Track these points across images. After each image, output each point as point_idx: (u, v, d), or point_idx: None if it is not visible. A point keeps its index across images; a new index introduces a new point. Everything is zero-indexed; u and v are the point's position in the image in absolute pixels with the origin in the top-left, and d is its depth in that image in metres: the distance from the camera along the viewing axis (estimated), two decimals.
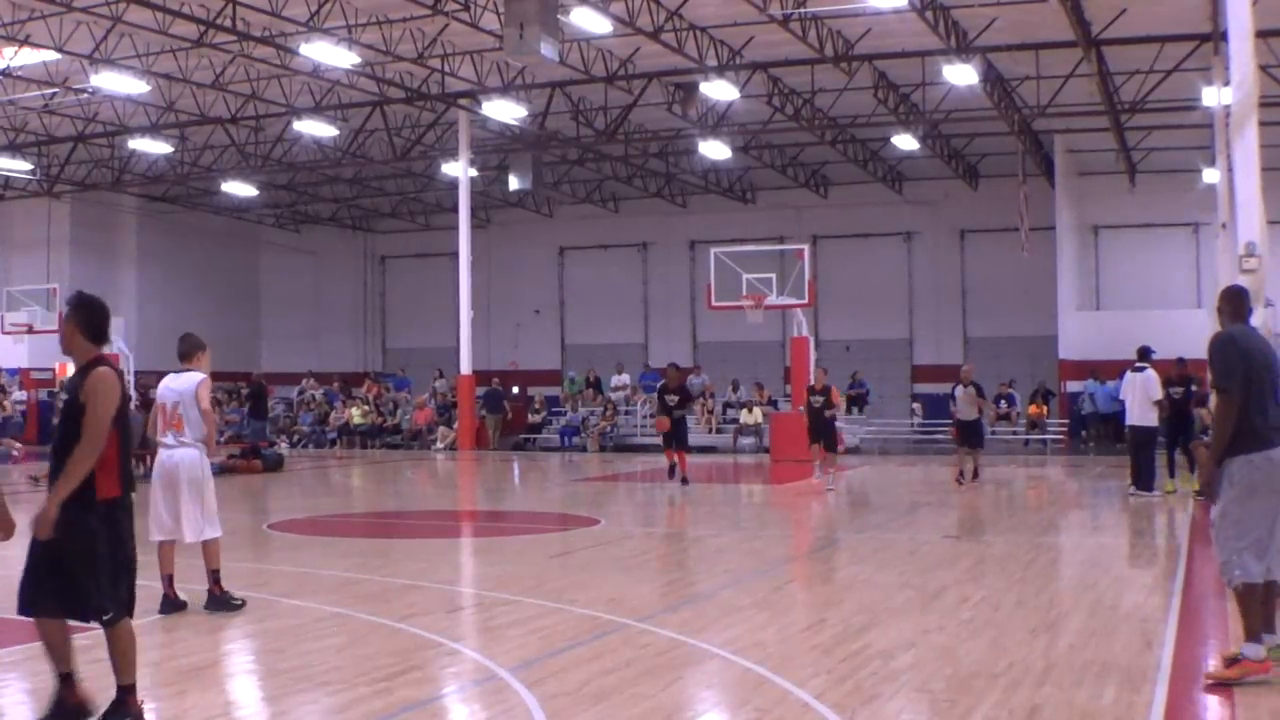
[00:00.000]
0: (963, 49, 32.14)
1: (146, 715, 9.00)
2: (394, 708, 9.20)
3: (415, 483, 33.47)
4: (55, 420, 17.40)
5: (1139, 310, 43.27)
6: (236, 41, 31.93)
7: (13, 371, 46.45)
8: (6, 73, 34.74)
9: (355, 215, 60.30)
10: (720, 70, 34.27)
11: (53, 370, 48.44)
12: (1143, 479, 24.60)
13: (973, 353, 48.19)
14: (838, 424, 29.64)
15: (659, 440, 30.79)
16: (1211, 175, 35.60)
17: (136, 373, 46.04)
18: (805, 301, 38.53)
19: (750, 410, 42.98)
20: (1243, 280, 17.48)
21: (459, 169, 42.62)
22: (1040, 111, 35.81)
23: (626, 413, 46.18)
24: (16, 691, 9.71)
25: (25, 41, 32.03)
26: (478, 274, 45.17)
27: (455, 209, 44.00)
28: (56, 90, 37.23)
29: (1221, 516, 9.70)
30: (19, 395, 43.92)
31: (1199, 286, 45.49)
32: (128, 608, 8.87)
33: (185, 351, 13.39)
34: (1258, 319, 17.17)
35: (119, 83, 34.32)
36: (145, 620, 12.60)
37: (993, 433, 42.33)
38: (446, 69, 35.71)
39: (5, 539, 8.84)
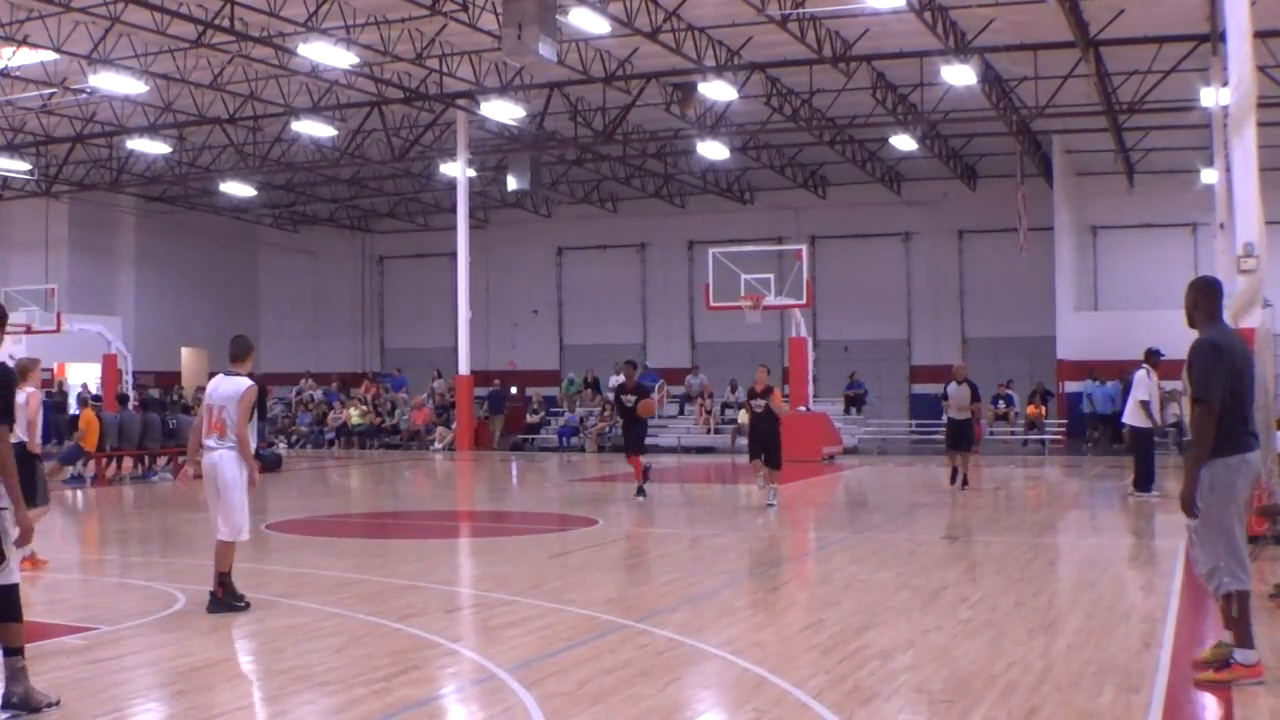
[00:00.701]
0: (961, 49, 32.17)
1: (145, 716, 9.01)
2: (393, 708, 9.20)
3: (413, 483, 33.47)
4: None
5: (1137, 311, 43.23)
6: (235, 42, 31.98)
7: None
8: (5, 73, 34.78)
9: (354, 215, 60.38)
10: (718, 70, 34.30)
11: (51, 370, 48.45)
12: (1141, 480, 24.58)
13: (971, 353, 48.23)
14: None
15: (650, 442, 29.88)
16: (1210, 175, 35.58)
17: (135, 372, 46.11)
18: (803, 302, 38.55)
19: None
20: (1241, 281, 17.52)
21: (457, 169, 42.66)
22: (1039, 112, 35.86)
23: None
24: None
25: (24, 42, 32.06)
26: (476, 274, 45.25)
27: (454, 209, 44.06)
28: (55, 90, 37.28)
29: (1204, 524, 9.65)
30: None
31: None
32: None
33: (238, 353, 13.54)
34: (1255, 319, 17.21)
35: (117, 83, 34.34)
36: (146, 620, 12.63)
37: (991, 433, 42.43)
38: (445, 69, 35.75)
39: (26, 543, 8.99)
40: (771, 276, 38.72)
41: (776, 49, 33.70)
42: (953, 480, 26.76)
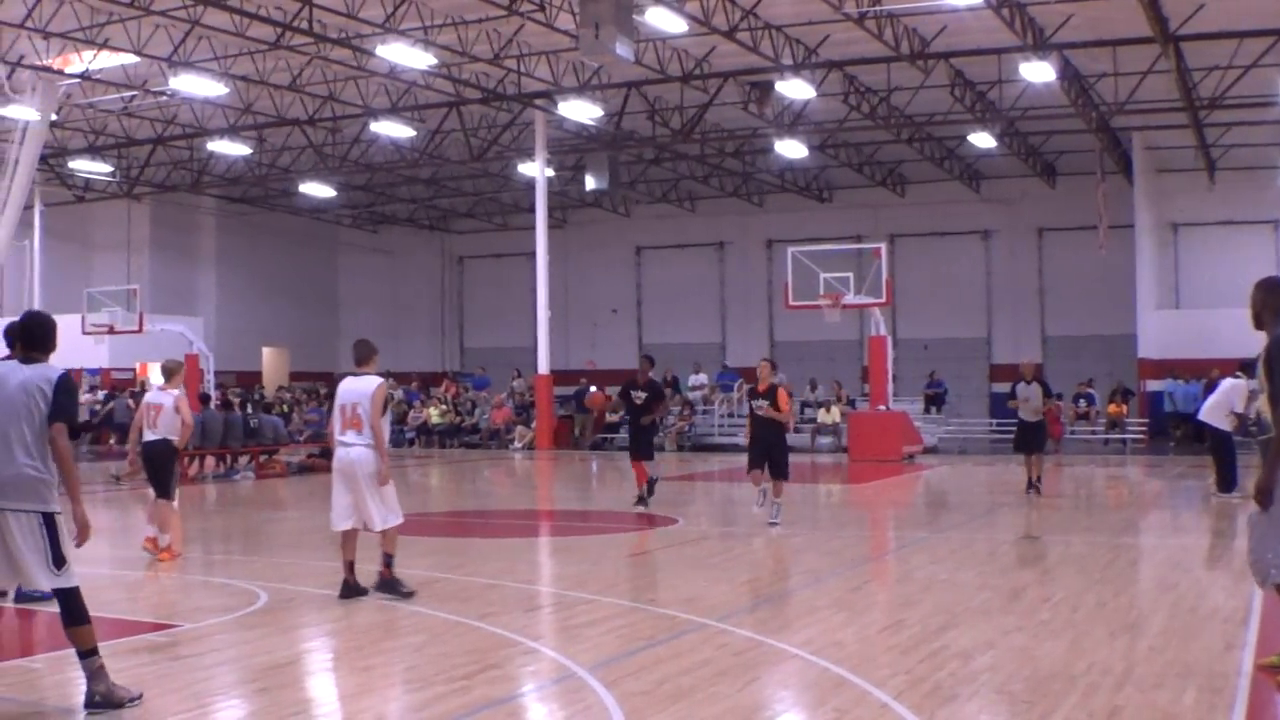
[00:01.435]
0: (1039, 46, 31.94)
1: (224, 715, 9.08)
2: (472, 706, 9.24)
3: (493, 482, 33.55)
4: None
5: (1219, 309, 42.75)
6: (313, 43, 32.16)
7: (94, 371, 46.84)
8: (86, 76, 35.09)
9: (432, 215, 60.59)
10: (795, 69, 34.22)
11: (133, 370, 48.88)
12: (1224, 481, 24.34)
13: (1051, 352, 48.05)
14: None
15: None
16: None
17: (216, 372, 46.42)
18: (883, 300, 38.39)
19: (828, 409, 42.89)
20: None
21: (535, 169, 42.68)
22: (1118, 108, 35.59)
23: (704, 412, 46.15)
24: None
25: (104, 45, 32.38)
26: (555, 274, 45.25)
27: (532, 209, 44.09)
28: (135, 93, 37.62)
29: (1269, 517, 9.53)
30: (99, 395, 44.19)
31: None
32: None
33: (362, 356, 14.23)
34: None
35: (197, 85, 34.63)
36: (228, 618, 12.74)
37: (1071, 432, 42.16)
38: (522, 69, 35.84)
39: (84, 541, 9.07)
40: (850, 275, 38.53)
41: (854, 47, 33.57)
42: (1029, 488, 25.37)
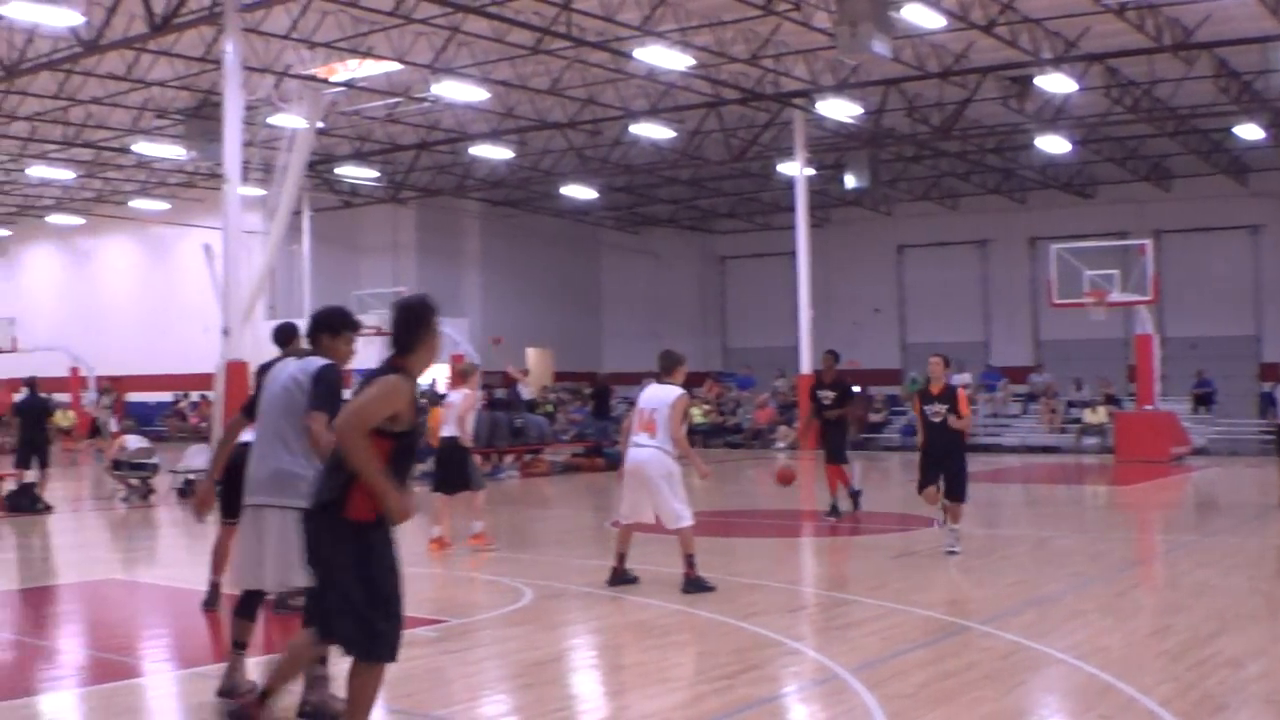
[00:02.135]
0: None
1: (493, 710, 9.25)
2: (734, 705, 9.29)
3: (756, 481, 33.58)
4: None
5: None
6: (572, 47, 32.50)
7: (362, 373, 47.86)
8: (351, 84, 35.95)
9: (693, 216, 60.81)
10: (1056, 62, 33.67)
11: None
12: None
13: None
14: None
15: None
16: None
17: (482, 373, 47.11)
18: (1149, 298, 37.67)
19: (1094, 410, 42.20)
20: None
21: (795, 168, 42.60)
22: None
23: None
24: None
25: (368, 54, 33.14)
26: (816, 273, 45.07)
27: (792, 208, 43.98)
28: (399, 100, 38.39)
29: None
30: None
31: None
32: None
33: (667, 367, 15.05)
34: None
35: (459, 91, 35.22)
36: (494, 614, 12.98)
37: None
38: (780, 69, 35.82)
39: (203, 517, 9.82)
40: (1115, 272, 37.84)
41: (1115, 39, 32.90)
42: None
